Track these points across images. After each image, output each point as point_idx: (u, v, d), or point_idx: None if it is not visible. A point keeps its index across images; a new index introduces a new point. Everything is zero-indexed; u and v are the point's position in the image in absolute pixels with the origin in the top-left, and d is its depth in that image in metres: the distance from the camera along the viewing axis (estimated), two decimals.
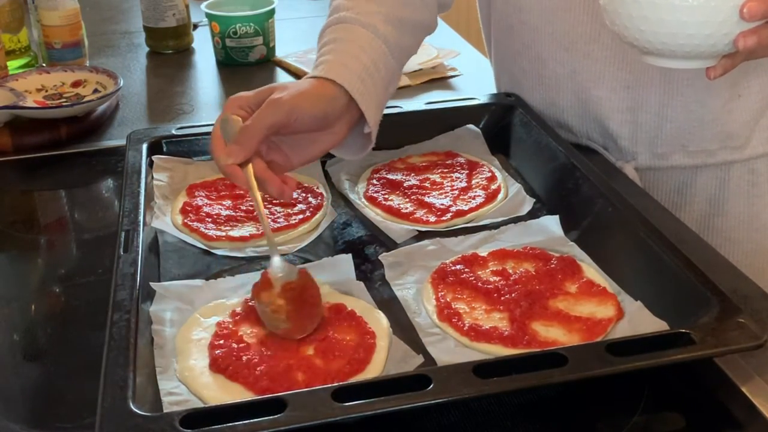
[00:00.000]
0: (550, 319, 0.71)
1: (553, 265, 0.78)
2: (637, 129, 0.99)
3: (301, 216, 0.89)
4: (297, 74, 1.37)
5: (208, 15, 1.41)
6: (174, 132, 0.99)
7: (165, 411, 0.62)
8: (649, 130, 0.98)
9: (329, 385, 0.59)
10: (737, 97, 0.96)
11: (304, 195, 0.92)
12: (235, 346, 0.68)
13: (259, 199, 0.75)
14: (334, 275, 0.78)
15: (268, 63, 1.43)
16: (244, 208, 0.90)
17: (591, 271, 0.78)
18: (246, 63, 1.42)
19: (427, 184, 0.95)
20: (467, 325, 0.71)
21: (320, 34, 0.88)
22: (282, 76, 1.38)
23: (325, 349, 0.68)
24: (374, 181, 0.95)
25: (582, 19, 0.95)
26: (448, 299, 0.75)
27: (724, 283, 0.69)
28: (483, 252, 0.82)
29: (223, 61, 1.43)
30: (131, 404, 0.57)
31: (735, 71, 0.79)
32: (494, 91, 1.14)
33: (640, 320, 0.70)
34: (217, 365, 0.66)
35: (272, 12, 1.42)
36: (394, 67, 0.87)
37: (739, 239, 1.01)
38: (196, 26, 1.58)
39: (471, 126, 1.04)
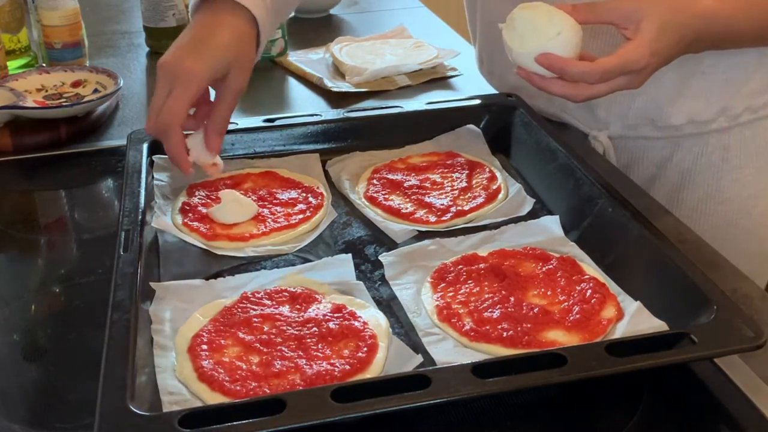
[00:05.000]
0: (551, 320, 0.71)
1: (553, 265, 0.79)
2: (613, 99, 1.00)
3: (301, 216, 0.89)
4: (297, 74, 1.37)
5: None
6: None
7: (164, 411, 0.62)
8: (623, 101, 1.01)
9: (328, 385, 0.59)
10: (700, 74, 0.99)
11: (304, 195, 0.92)
12: (221, 359, 0.68)
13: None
14: (334, 275, 0.78)
15: (266, 62, 1.43)
16: None
17: (591, 271, 0.78)
18: (268, 57, 1.42)
19: (427, 184, 0.95)
20: (467, 325, 0.71)
21: None
22: (285, 77, 1.38)
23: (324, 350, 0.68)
24: (374, 181, 0.95)
25: None
26: (447, 299, 0.75)
27: (724, 283, 0.69)
28: (483, 252, 0.82)
29: None
30: (130, 404, 0.57)
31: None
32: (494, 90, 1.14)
33: (639, 320, 0.70)
34: (204, 377, 0.66)
35: None
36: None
37: (706, 212, 1.04)
38: None
39: (471, 126, 1.03)
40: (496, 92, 1.11)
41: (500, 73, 1.13)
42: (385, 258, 0.81)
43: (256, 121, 1.02)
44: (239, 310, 0.73)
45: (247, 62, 0.85)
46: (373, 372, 0.66)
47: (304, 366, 0.66)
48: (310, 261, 0.82)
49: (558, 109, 1.06)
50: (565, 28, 0.82)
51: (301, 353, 0.68)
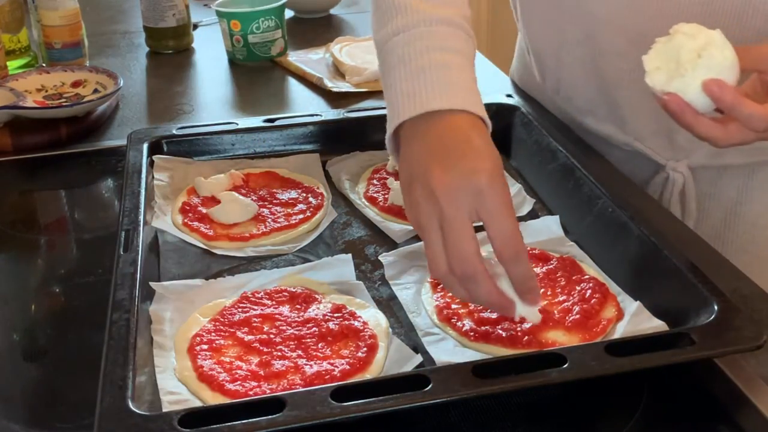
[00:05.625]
0: (551, 320, 0.71)
1: (553, 265, 0.78)
2: None
3: (301, 216, 0.89)
4: (297, 74, 1.37)
5: (225, 14, 1.39)
6: (175, 132, 0.99)
7: (164, 411, 0.62)
8: None
9: (328, 385, 0.59)
10: None
11: (304, 195, 0.92)
12: (222, 360, 0.68)
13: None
14: (334, 275, 0.78)
15: (266, 62, 1.43)
16: None
17: (591, 271, 0.78)
18: (268, 57, 1.42)
19: None
20: (466, 325, 0.71)
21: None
22: (285, 77, 1.38)
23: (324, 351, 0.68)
24: (374, 181, 0.95)
25: (654, 13, 0.89)
26: (447, 299, 0.75)
27: (724, 283, 0.69)
28: (483, 252, 0.81)
29: (244, 60, 1.41)
30: (130, 404, 0.57)
31: None
32: (496, 89, 1.14)
33: (639, 320, 0.70)
34: (204, 377, 0.66)
35: (285, 4, 1.43)
36: None
37: (765, 225, 1.00)
38: (196, 26, 1.58)
39: None
40: (496, 93, 1.11)
41: (569, 94, 1.05)
42: (385, 258, 0.81)
43: (256, 121, 1.02)
44: (239, 310, 0.73)
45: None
46: (373, 372, 0.66)
47: (304, 366, 0.66)
48: (310, 261, 0.82)
49: (631, 137, 0.99)
50: (737, 61, 0.72)
51: (300, 353, 0.68)
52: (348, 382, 0.63)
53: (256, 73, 1.40)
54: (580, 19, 0.97)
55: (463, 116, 0.68)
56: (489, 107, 1.02)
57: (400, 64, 0.71)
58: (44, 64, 1.37)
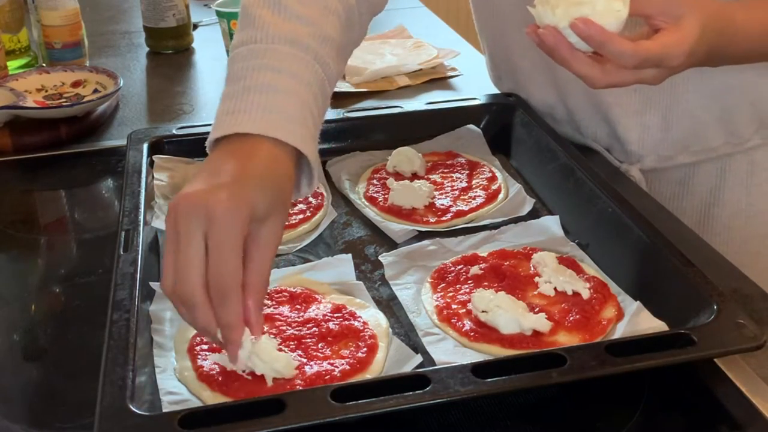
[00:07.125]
0: (551, 320, 0.71)
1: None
2: (645, 133, 0.98)
3: (301, 216, 0.89)
4: None
5: (225, 14, 1.39)
6: (175, 132, 0.99)
7: (164, 411, 0.62)
8: (656, 133, 0.98)
9: (328, 385, 0.59)
10: (748, 103, 0.96)
11: None
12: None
13: None
14: (334, 275, 0.78)
15: None
16: None
17: (591, 271, 0.78)
18: None
19: None
20: (466, 325, 0.71)
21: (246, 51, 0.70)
22: None
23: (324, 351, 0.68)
24: (374, 181, 0.95)
25: None
26: (447, 299, 0.75)
27: (724, 283, 0.69)
28: (483, 252, 0.82)
29: None
30: (130, 404, 0.57)
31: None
32: (493, 90, 1.14)
33: (639, 320, 0.70)
34: (204, 377, 0.66)
35: None
36: (328, 101, 0.75)
37: (737, 226, 1.02)
38: (196, 26, 1.58)
39: (471, 126, 1.03)
40: (496, 92, 1.11)
41: (526, 97, 1.06)
42: (385, 258, 0.81)
43: None
44: None
45: (287, 204, 0.65)
46: (373, 372, 0.66)
47: (304, 366, 0.66)
48: (310, 261, 0.82)
49: (590, 138, 1.02)
50: (618, 3, 0.71)
51: (300, 353, 0.68)
52: (348, 382, 0.63)
53: None
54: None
55: (268, 144, 0.64)
56: (489, 107, 1.05)
57: (232, 80, 0.69)
58: (44, 64, 1.37)
